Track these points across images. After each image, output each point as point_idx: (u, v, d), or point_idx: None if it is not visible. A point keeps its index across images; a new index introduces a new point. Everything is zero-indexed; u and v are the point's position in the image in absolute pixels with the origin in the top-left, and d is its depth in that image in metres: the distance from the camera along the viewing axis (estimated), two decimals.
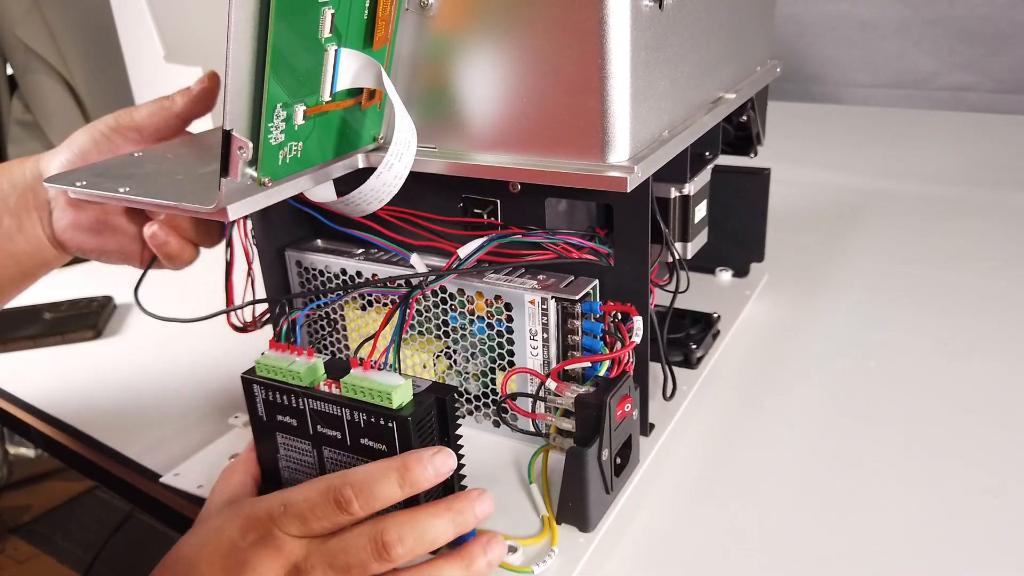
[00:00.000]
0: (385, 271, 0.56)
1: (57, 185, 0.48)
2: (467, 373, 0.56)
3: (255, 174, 0.42)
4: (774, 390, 0.63)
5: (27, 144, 1.42)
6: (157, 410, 0.67)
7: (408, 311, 0.51)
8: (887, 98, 1.50)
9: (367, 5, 0.44)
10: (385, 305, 0.57)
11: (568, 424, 0.49)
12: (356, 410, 0.45)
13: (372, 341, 0.51)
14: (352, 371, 0.46)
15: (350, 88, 0.45)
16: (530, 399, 0.52)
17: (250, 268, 0.59)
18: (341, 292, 0.55)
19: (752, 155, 0.71)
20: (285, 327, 0.50)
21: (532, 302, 0.51)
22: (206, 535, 0.42)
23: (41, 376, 0.74)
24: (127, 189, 0.46)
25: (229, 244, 0.58)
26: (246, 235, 0.58)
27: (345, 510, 0.40)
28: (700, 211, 0.62)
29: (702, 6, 0.53)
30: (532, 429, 0.54)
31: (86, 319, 0.82)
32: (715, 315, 0.68)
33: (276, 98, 0.40)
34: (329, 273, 0.58)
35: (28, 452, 0.69)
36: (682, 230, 0.61)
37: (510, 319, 0.52)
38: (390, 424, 0.44)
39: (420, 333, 0.56)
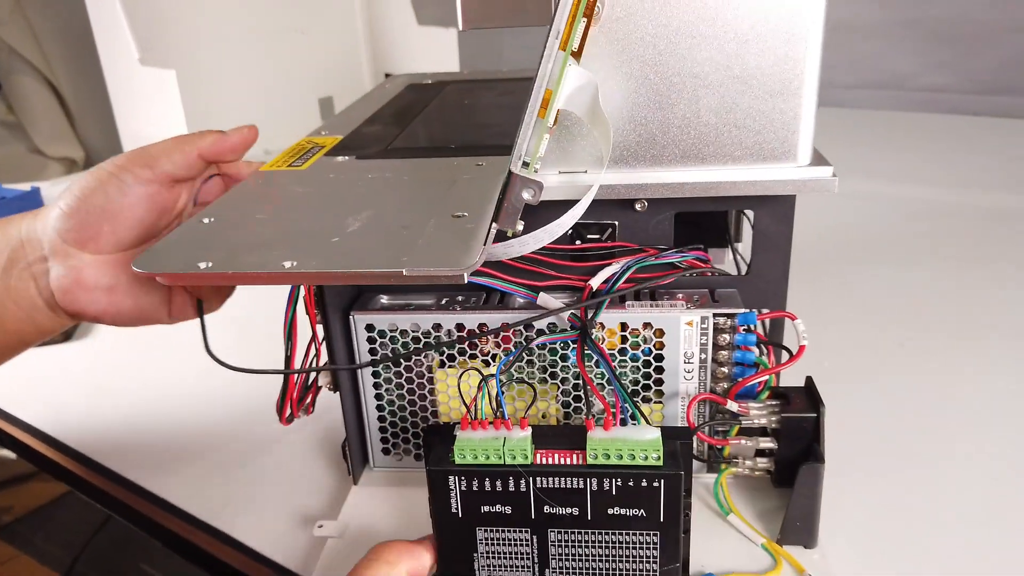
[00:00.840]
0: (475, 318, 0.49)
1: (168, 271, 0.35)
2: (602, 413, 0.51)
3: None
4: None
5: (10, 145, 1.40)
6: (129, 414, 0.66)
7: (585, 350, 0.45)
8: (864, 99, 1.48)
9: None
10: (472, 357, 0.51)
11: (768, 442, 0.47)
12: (607, 477, 0.39)
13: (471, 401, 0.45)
14: (591, 433, 0.40)
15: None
16: (706, 425, 0.49)
17: (315, 336, 0.49)
18: (515, 349, 0.48)
19: None
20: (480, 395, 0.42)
21: (690, 323, 0.48)
22: None
23: (10, 379, 0.70)
24: (294, 264, 0.35)
25: (292, 317, 0.47)
26: (310, 299, 0.48)
27: None
28: None
29: None
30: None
31: None
32: None
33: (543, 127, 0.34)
34: (417, 332, 0.50)
35: (9, 453, 0.64)
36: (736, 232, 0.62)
37: (660, 345, 0.49)
38: (655, 483, 0.39)
39: (542, 380, 0.50)
